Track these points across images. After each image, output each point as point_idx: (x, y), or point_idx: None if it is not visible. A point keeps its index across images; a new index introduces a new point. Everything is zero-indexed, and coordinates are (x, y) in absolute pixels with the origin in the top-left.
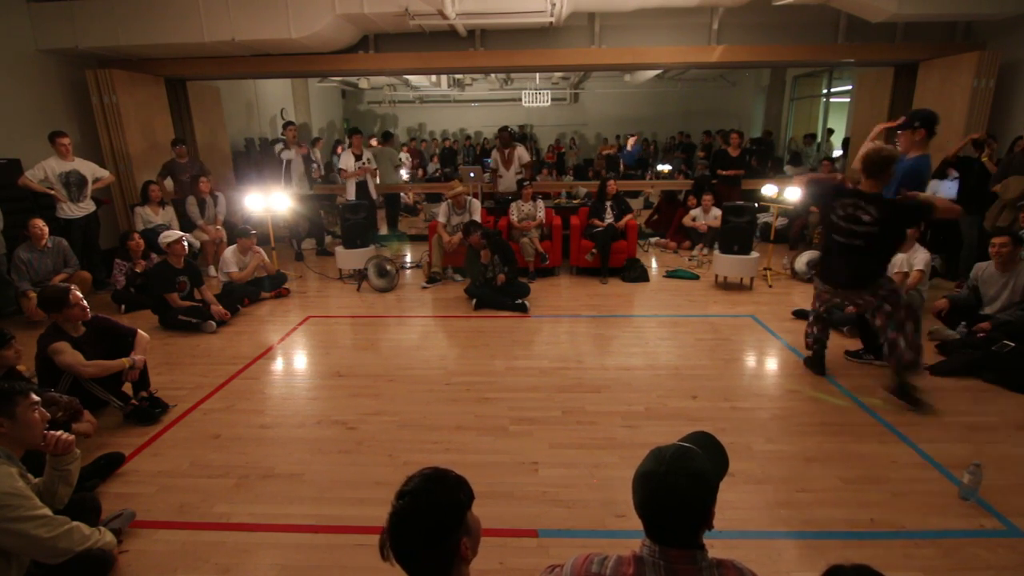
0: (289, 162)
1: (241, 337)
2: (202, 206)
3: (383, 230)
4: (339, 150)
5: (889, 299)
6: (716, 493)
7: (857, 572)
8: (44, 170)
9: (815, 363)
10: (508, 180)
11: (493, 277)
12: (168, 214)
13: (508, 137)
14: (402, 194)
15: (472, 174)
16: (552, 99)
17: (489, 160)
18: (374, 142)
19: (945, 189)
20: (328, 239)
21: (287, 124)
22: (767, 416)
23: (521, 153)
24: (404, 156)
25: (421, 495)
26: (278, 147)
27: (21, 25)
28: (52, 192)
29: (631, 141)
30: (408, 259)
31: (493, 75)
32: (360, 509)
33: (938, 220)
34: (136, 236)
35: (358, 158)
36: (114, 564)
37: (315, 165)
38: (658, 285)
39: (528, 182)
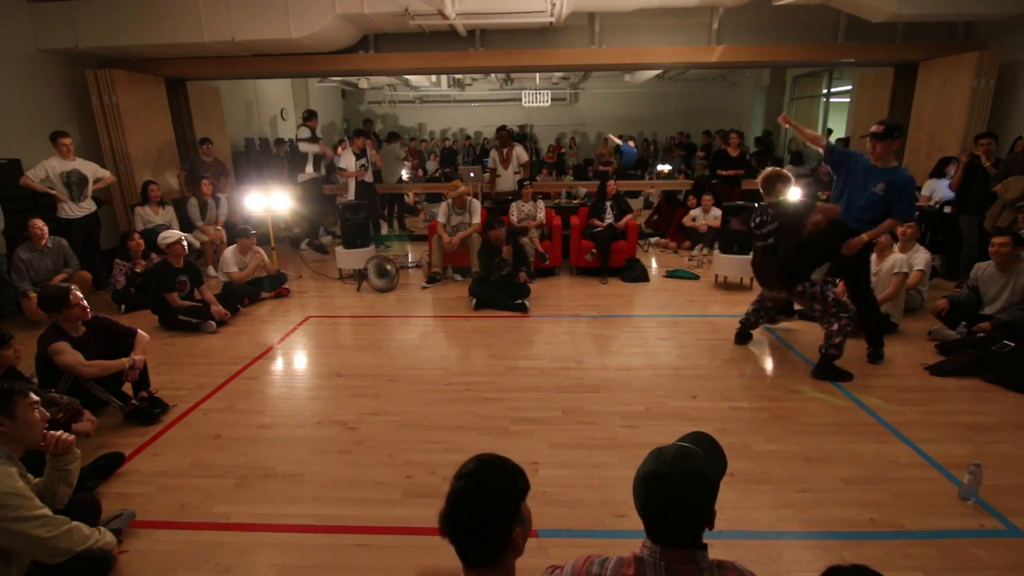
0: (314, 155)
1: (241, 337)
2: (203, 207)
3: (383, 230)
4: (339, 150)
5: (816, 300)
6: (717, 493)
7: (855, 572)
8: (45, 169)
9: (739, 336)
10: (506, 180)
11: (511, 274)
12: (168, 214)
13: (507, 136)
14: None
15: (472, 174)
16: (552, 99)
17: (488, 160)
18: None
19: (943, 188)
20: (328, 239)
21: (311, 115)
22: (767, 416)
23: (519, 152)
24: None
25: (479, 479)
26: (303, 144)
27: (21, 25)
28: (53, 192)
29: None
30: (408, 259)
31: (493, 75)
32: (360, 509)
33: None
34: (136, 236)
35: (359, 157)
36: (114, 564)
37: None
38: (658, 285)
39: (528, 182)
